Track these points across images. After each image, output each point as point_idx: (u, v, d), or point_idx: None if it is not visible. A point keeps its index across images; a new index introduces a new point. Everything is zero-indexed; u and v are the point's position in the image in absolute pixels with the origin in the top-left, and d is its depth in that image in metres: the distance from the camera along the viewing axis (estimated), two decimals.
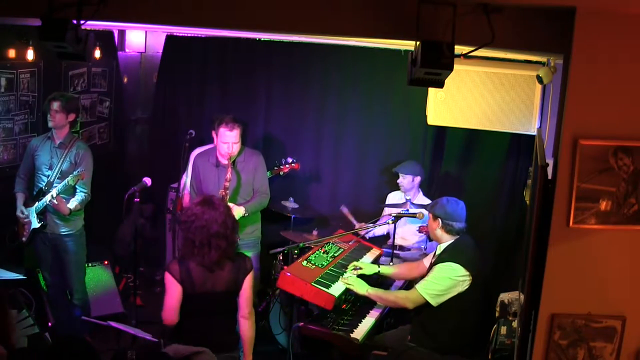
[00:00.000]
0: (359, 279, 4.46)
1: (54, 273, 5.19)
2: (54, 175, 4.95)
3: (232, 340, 3.96)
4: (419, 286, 4.10)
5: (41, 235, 5.04)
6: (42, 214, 4.96)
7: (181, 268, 3.68)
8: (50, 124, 4.99)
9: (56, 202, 4.79)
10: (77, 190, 5.00)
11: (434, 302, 4.03)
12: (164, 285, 3.79)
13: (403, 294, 4.27)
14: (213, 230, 3.65)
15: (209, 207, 3.69)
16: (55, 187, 4.84)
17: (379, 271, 4.63)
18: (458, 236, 4.19)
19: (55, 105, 4.94)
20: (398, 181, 5.56)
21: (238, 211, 4.86)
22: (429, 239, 5.32)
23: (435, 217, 4.22)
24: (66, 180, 4.80)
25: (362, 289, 4.37)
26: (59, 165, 4.97)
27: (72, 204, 4.93)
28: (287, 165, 5.65)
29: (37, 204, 4.94)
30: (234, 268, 3.78)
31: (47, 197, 4.82)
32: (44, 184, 4.96)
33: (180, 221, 3.78)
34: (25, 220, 5.00)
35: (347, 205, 5.90)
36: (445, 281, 4.03)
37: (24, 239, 5.04)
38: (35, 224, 4.97)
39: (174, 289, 3.68)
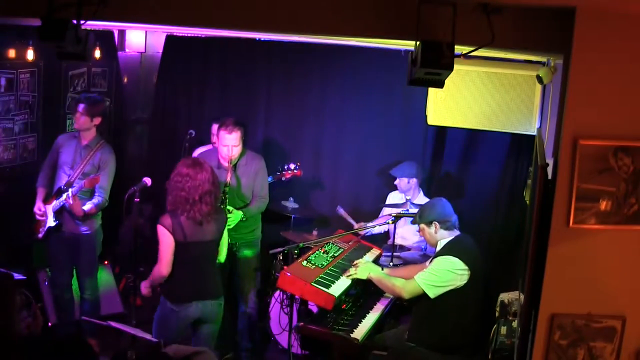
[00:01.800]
0: (361, 267, 4.53)
1: (64, 273, 5.19)
2: (75, 176, 4.94)
3: (218, 287, 4.39)
4: (417, 276, 4.12)
5: (57, 234, 5.02)
6: (59, 213, 4.94)
7: (173, 221, 4.07)
8: (75, 126, 5.01)
9: (72, 202, 4.77)
10: (96, 194, 4.98)
11: (431, 293, 4.05)
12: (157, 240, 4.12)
13: (401, 282, 4.28)
14: (205, 189, 4.09)
15: (200, 168, 4.11)
16: (74, 187, 4.82)
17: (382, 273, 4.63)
18: (456, 231, 4.23)
19: (80, 108, 4.94)
20: (395, 183, 5.56)
21: (237, 215, 4.85)
22: None
23: (430, 223, 4.23)
24: (82, 182, 4.80)
25: (364, 274, 4.44)
26: (81, 167, 4.96)
27: (88, 206, 4.92)
28: (289, 172, 5.64)
29: (54, 202, 4.93)
30: (218, 220, 4.27)
31: (64, 197, 4.81)
32: (64, 183, 4.94)
33: (171, 179, 4.13)
34: (42, 218, 4.98)
35: (346, 205, 5.90)
36: (444, 273, 4.05)
37: (39, 235, 5.02)
38: (51, 222, 4.96)
39: (168, 240, 4.06)
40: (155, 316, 4.30)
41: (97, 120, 5.02)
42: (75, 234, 5.02)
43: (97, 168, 4.97)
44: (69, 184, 4.89)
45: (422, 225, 4.29)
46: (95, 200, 4.96)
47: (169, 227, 4.04)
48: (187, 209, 4.06)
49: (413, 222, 4.46)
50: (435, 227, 4.22)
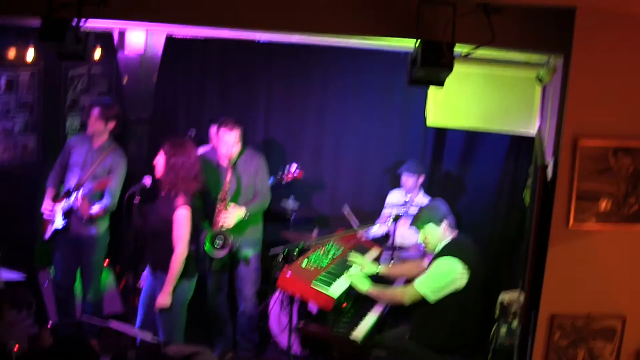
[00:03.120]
0: (362, 275, 4.50)
1: (68, 274, 5.18)
2: (85, 178, 4.93)
3: None
4: (416, 282, 4.11)
5: (63, 235, 5.02)
6: (67, 215, 4.94)
7: (190, 200, 4.30)
8: (88, 131, 5.01)
9: (79, 204, 4.76)
10: (105, 197, 4.97)
11: (432, 297, 4.04)
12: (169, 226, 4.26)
13: (400, 290, 4.28)
14: (198, 167, 4.36)
15: (191, 147, 4.38)
16: (83, 188, 4.82)
17: (377, 272, 4.62)
18: (454, 231, 4.21)
19: (95, 112, 4.94)
20: (403, 181, 5.55)
21: (238, 213, 4.85)
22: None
23: (440, 222, 4.18)
24: (92, 185, 4.80)
25: (364, 286, 4.40)
26: (92, 169, 4.95)
27: (95, 208, 4.90)
28: (290, 174, 5.64)
29: (63, 203, 4.92)
30: None
31: (72, 198, 4.82)
32: (74, 184, 4.94)
33: (167, 161, 4.29)
34: (50, 216, 4.98)
35: (348, 206, 5.89)
36: (443, 277, 4.04)
37: (46, 236, 5.02)
38: (59, 223, 4.95)
39: (188, 221, 4.26)
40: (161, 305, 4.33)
41: (112, 125, 5.03)
42: (82, 236, 5.02)
43: (108, 171, 4.97)
44: (79, 186, 4.88)
45: (431, 226, 4.20)
46: (104, 203, 4.96)
47: (189, 203, 4.26)
48: (187, 187, 4.28)
49: (415, 224, 4.35)
50: (446, 225, 4.19)
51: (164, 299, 4.21)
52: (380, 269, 4.65)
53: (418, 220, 4.28)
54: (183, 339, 4.43)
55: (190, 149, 4.34)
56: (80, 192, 4.77)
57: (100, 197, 4.97)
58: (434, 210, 4.25)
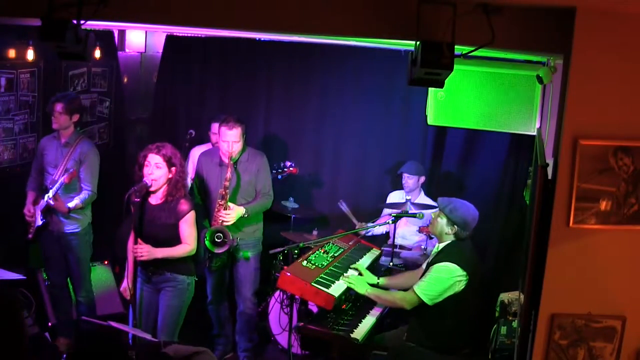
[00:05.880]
0: (360, 278, 4.47)
1: (58, 272, 5.20)
2: (58, 174, 4.96)
3: None
4: (416, 287, 4.10)
5: (47, 233, 5.05)
6: (46, 213, 4.96)
7: (192, 202, 4.48)
8: (54, 126, 5.02)
9: (53, 203, 4.81)
10: (83, 189, 5.01)
11: (430, 302, 4.05)
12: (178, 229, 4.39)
13: (400, 295, 4.27)
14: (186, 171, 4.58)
15: (179, 153, 4.54)
16: (55, 185, 4.85)
17: (378, 283, 4.60)
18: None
19: (59, 107, 4.96)
20: (403, 182, 5.55)
21: (238, 211, 4.85)
22: (429, 237, 5.32)
23: (452, 223, 4.16)
24: (61, 179, 4.82)
25: (362, 288, 4.38)
26: (63, 164, 4.98)
27: (73, 202, 4.94)
28: (285, 170, 5.65)
29: (41, 202, 4.95)
30: None
31: (46, 196, 4.83)
32: (49, 182, 4.96)
33: (179, 171, 4.45)
34: (31, 218, 5.01)
35: (346, 205, 5.90)
36: (442, 282, 4.04)
37: (29, 236, 5.05)
38: (39, 222, 4.98)
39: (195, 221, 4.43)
40: (168, 305, 4.42)
41: (76, 117, 5.07)
42: (63, 233, 5.06)
43: (79, 162, 5.01)
44: (53, 183, 4.92)
45: (442, 217, 4.19)
46: (82, 195, 5.00)
47: (193, 208, 4.41)
48: (185, 192, 4.46)
49: (429, 207, 4.33)
50: (452, 230, 4.17)
51: (156, 256, 4.31)
52: (381, 280, 4.62)
53: (443, 206, 4.21)
54: (178, 338, 4.46)
55: (179, 154, 4.51)
56: (52, 190, 4.82)
57: (79, 190, 5.01)
58: (460, 210, 4.16)
